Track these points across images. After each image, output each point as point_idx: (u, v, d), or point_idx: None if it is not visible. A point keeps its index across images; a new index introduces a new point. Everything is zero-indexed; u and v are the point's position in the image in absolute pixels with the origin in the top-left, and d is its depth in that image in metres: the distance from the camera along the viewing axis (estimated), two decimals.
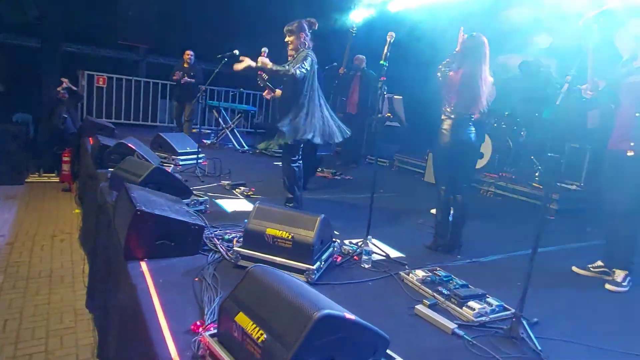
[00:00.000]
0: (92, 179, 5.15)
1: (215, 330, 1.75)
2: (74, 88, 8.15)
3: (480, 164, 6.20)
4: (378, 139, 6.98)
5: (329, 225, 2.78)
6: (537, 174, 5.77)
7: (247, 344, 1.54)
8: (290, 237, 2.56)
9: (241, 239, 2.78)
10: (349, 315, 1.54)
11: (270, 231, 2.60)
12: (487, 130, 6.00)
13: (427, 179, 6.34)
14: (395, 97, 3.59)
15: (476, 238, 3.82)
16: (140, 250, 2.59)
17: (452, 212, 3.45)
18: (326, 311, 1.46)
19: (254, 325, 1.53)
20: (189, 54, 8.04)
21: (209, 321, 1.95)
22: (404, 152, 7.63)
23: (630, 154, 3.02)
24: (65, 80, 7.93)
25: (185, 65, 8.03)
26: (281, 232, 2.59)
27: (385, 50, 2.92)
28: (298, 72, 3.58)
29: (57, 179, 7.83)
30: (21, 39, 9.03)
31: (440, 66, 3.23)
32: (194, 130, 9.30)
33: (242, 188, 4.69)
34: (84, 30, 9.17)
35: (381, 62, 2.89)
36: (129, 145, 4.48)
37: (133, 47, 9.97)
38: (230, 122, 8.40)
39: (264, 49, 3.92)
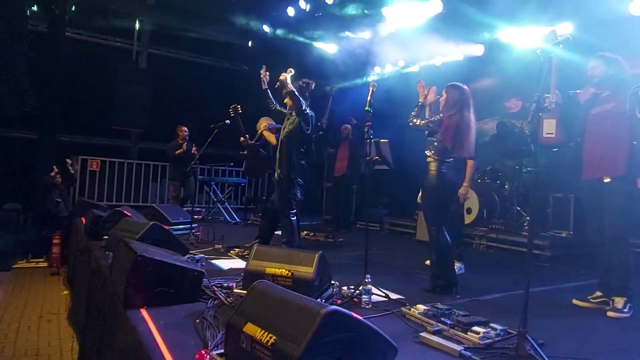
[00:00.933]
0: (84, 253, 5.10)
1: (222, 351, 1.73)
2: (72, 170, 8.32)
3: (469, 219, 6.33)
4: (367, 203, 7.19)
5: (327, 263, 2.81)
6: (525, 223, 5.90)
7: (257, 351, 1.53)
8: (289, 274, 2.58)
9: (240, 283, 2.78)
10: (357, 316, 1.57)
11: (269, 270, 2.63)
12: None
13: (419, 237, 6.41)
14: (381, 140, 3.81)
15: (474, 281, 3.84)
16: (139, 298, 2.57)
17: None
18: (334, 307, 1.49)
19: (263, 331, 1.54)
20: (184, 130, 7.91)
21: (214, 348, 1.92)
22: (393, 215, 7.78)
23: (606, 180, 3.18)
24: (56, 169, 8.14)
25: (180, 141, 7.88)
26: (280, 270, 2.61)
27: (369, 98, 3.18)
28: (309, 110, 3.85)
29: (45, 264, 7.68)
30: (18, 130, 9.36)
31: (412, 116, 3.52)
32: (185, 209, 9.42)
33: (236, 249, 4.71)
34: (78, 120, 9.57)
35: (366, 108, 3.14)
36: (125, 212, 4.54)
37: (125, 133, 10.35)
38: (222, 196, 8.53)
39: (290, 70, 4.14)
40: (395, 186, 8.33)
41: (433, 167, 3.48)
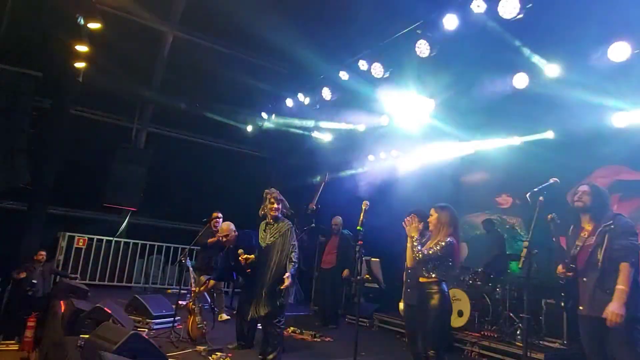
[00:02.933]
0: (58, 348, 4.83)
1: None
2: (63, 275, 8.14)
3: (461, 322, 6.17)
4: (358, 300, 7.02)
5: None
6: (518, 332, 5.74)
7: None
8: None
9: None
10: None
11: None
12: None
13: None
14: (372, 259, 3.79)
15: None
16: None
17: None
18: None
19: None
20: (219, 217, 6.96)
21: None
22: (383, 311, 7.53)
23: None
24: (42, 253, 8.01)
25: (214, 228, 6.83)
26: None
27: (362, 217, 3.22)
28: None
29: (16, 347, 7.26)
30: (6, 201, 9.29)
31: (418, 250, 3.50)
32: (169, 291, 9.13)
33: (218, 354, 4.50)
34: (70, 194, 9.56)
35: (358, 227, 3.16)
36: (106, 309, 4.39)
37: (116, 210, 10.27)
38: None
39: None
40: (385, 276, 8.17)
41: (439, 289, 3.43)
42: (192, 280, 5.89)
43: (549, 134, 7.60)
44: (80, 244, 9.17)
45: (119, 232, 10.06)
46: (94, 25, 6.62)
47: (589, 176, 7.56)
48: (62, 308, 5.90)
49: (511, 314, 5.99)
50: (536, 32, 5.67)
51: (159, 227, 11.10)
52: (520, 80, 6.39)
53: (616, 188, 7.28)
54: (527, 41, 5.88)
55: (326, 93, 7.67)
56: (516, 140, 7.83)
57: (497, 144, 8.10)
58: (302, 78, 8.48)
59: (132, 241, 9.84)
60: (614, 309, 2.96)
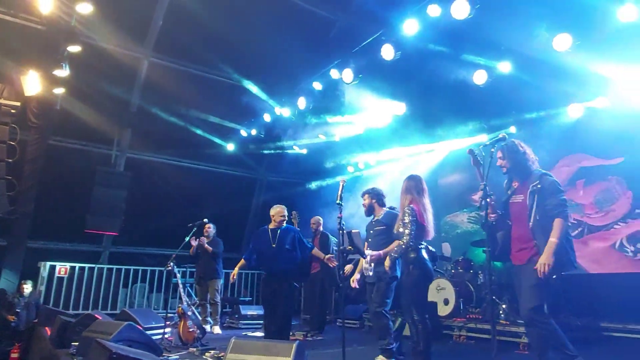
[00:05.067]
0: None
1: None
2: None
3: (447, 310, 6.35)
4: (345, 302, 7.13)
5: (304, 354, 2.80)
6: (501, 312, 5.94)
7: None
8: None
9: None
10: None
11: None
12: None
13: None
14: (353, 231, 3.96)
15: None
16: None
17: None
18: None
19: None
20: (208, 228, 7.39)
21: None
22: None
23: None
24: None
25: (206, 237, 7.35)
26: None
27: (340, 192, 3.43)
28: None
29: None
30: None
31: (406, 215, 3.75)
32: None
33: (212, 351, 4.55)
34: (50, 225, 9.47)
35: (337, 202, 3.37)
36: (96, 316, 4.42)
37: (97, 238, 10.19)
38: (195, 298, 8.29)
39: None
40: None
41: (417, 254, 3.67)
42: (181, 290, 5.93)
43: (512, 129, 8.05)
44: (62, 272, 9.05)
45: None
46: (75, 49, 6.78)
47: (555, 166, 8.01)
48: (48, 332, 5.84)
49: (494, 297, 6.20)
50: (488, 31, 6.12)
51: (142, 254, 11.03)
52: (479, 78, 6.82)
53: (580, 174, 7.72)
54: (480, 41, 6.34)
55: (301, 103, 7.97)
56: (484, 138, 8.23)
57: (467, 143, 8.49)
58: (279, 91, 8.76)
59: (115, 267, 9.75)
60: (543, 260, 3.14)
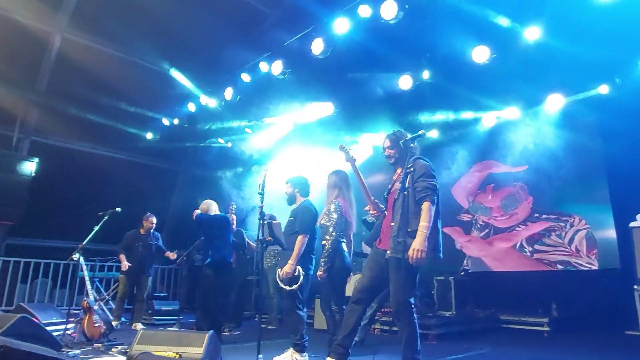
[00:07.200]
0: None
1: None
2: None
3: None
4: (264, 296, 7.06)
5: (218, 344, 2.72)
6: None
7: None
8: (177, 356, 2.45)
9: None
10: None
11: (156, 353, 2.46)
12: None
13: (317, 326, 6.39)
14: (274, 222, 3.91)
15: None
16: None
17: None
18: None
19: None
20: (152, 221, 7.17)
21: None
22: None
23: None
24: None
25: (143, 232, 7.15)
26: (167, 352, 2.47)
27: (262, 182, 3.38)
28: None
29: None
30: None
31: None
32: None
33: (119, 347, 4.27)
34: None
35: (258, 192, 3.32)
36: None
37: None
38: (105, 294, 7.78)
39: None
40: None
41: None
42: (88, 284, 5.53)
43: (434, 133, 8.49)
44: None
45: None
46: None
47: (469, 170, 8.58)
48: None
49: None
50: (414, 39, 6.38)
51: (47, 247, 10.11)
52: (405, 83, 7.09)
53: (490, 180, 8.34)
54: (408, 47, 6.60)
55: (228, 94, 7.77)
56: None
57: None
58: (206, 79, 8.47)
59: (12, 259, 8.83)
60: (415, 246, 2.93)
